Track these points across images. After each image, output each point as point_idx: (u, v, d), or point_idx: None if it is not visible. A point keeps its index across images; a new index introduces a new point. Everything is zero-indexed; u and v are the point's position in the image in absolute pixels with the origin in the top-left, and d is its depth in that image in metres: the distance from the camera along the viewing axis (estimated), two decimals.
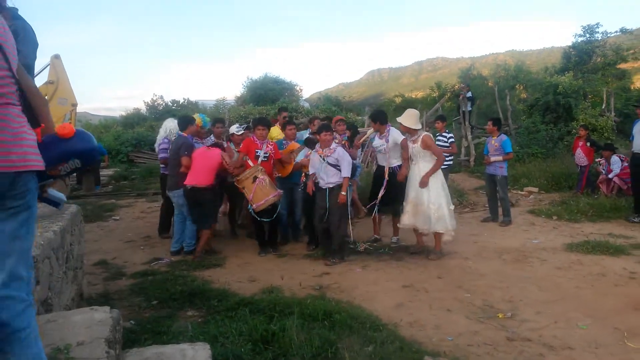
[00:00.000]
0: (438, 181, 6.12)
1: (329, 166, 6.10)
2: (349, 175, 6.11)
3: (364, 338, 3.60)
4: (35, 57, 4.00)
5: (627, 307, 4.45)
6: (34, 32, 3.93)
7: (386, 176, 6.57)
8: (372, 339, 3.61)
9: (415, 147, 6.14)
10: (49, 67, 10.06)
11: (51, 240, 3.29)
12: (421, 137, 6.11)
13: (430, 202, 5.99)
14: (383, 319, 4.19)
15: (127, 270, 5.86)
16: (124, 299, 4.71)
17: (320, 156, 6.15)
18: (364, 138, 7.39)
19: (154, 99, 32.21)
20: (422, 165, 6.12)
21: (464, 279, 5.36)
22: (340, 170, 6.07)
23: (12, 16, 3.85)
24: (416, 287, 5.13)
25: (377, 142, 6.83)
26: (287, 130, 7.18)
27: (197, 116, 7.08)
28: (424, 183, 6.02)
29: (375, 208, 6.73)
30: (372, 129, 6.99)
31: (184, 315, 4.32)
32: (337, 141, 6.73)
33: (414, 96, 43.46)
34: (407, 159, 6.38)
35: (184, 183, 6.23)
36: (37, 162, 1.87)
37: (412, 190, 6.15)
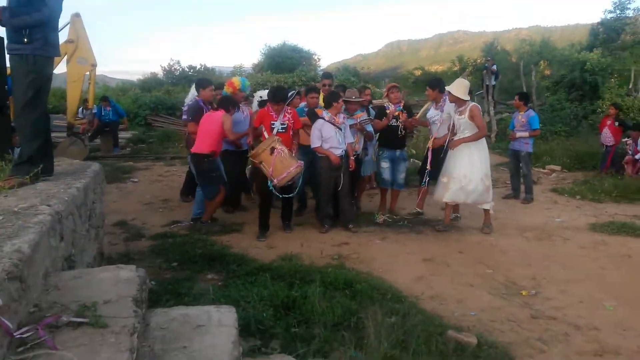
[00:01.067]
0: (479, 154, 5.90)
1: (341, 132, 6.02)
2: (353, 140, 6.26)
3: (385, 309, 3.56)
4: (60, 10, 3.90)
5: None
6: None
7: (430, 147, 6.41)
8: (394, 311, 3.56)
9: (461, 119, 5.87)
10: (68, 25, 9.96)
11: (75, 197, 3.25)
12: (469, 107, 5.84)
13: (467, 175, 5.80)
14: (404, 291, 4.15)
15: (147, 231, 5.87)
16: (144, 259, 4.72)
17: (336, 124, 5.97)
18: (421, 112, 7.19)
19: (171, 63, 31.93)
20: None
21: (486, 255, 5.28)
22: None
23: None
24: (437, 260, 5.06)
25: (432, 112, 6.66)
26: (309, 98, 6.63)
27: (236, 79, 6.77)
28: (453, 145, 5.88)
29: (425, 181, 6.52)
30: (428, 101, 6.80)
31: (203, 278, 4.33)
32: (389, 111, 6.57)
33: (434, 69, 42.68)
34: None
35: (190, 150, 6.06)
36: None
37: (451, 163, 5.94)
